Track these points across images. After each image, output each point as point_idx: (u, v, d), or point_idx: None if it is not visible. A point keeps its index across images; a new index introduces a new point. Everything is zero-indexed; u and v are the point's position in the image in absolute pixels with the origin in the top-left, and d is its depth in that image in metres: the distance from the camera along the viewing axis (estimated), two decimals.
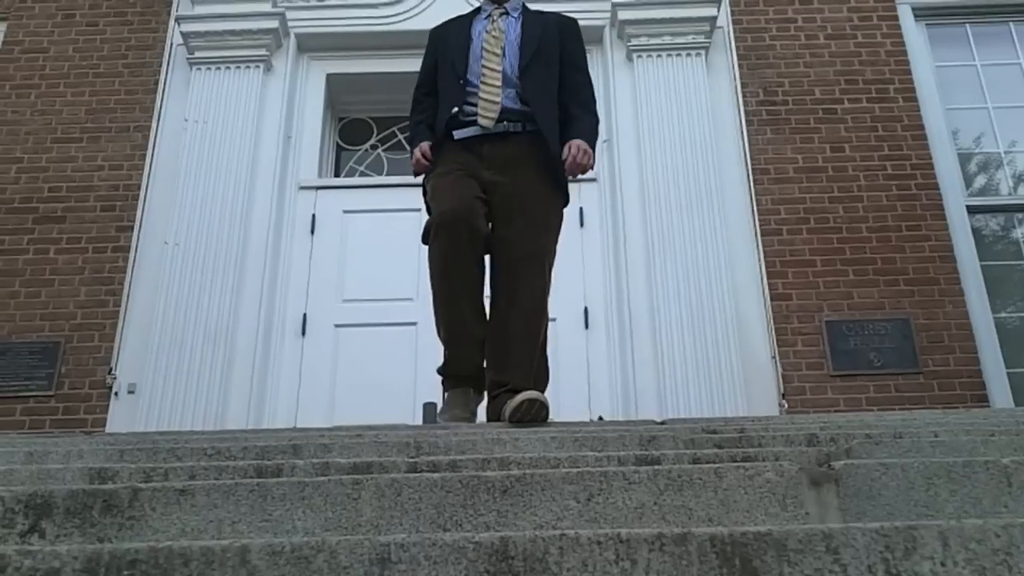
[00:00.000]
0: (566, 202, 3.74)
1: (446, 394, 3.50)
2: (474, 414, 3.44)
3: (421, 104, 3.90)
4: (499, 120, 3.61)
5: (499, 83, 3.65)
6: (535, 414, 3.01)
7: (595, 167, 3.79)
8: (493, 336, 3.44)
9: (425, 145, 3.71)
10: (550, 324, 3.63)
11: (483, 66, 3.69)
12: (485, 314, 3.51)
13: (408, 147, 3.88)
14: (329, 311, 5.66)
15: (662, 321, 5.35)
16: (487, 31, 3.77)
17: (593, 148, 3.67)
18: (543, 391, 3.31)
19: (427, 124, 3.80)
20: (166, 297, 5.44)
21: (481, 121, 3.61)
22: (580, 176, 3.71)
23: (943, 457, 1.75)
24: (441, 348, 3.50)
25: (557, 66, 3.75)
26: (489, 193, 3.56)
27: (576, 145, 3.59)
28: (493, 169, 3.57)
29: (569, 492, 1.45)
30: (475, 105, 3.64)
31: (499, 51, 3.71)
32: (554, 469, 1.65)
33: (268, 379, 5.44)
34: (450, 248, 3.41)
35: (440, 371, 3.51)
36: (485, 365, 3.46)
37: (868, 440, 1.91)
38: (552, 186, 3.65)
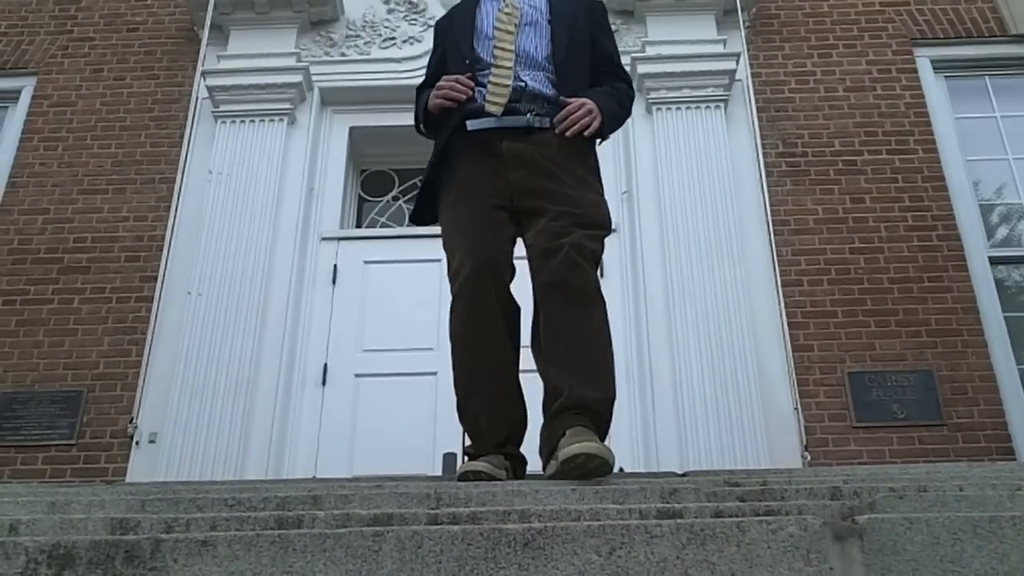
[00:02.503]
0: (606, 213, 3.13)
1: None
2: (502, 469, 2.80)
3: (426, 91, 3.33)
4: (518, 109, 3.07)
5: (511, 64, 3.13)
6: (593, 471, 2.48)
7: (606, 139, 3.27)
8: (544, 331, 2.89)
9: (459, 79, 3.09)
10: None
11: (494, 47, 3.16)
12: (520, 393, 2.98)
13: (415, 122, 3.34)
14: (349, 361, 5.68)
15: (683, 372, 5.33)
16: (500, 10, 3.25)
17: (612, 118, 3.16)
18: (611, 397, 2.82)
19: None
20: (188, 347, 5.47)
21: (488, 108, 3.07)
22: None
23: (968, 512, 1.73)
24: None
25: (588, 61, 3.26)
26: (519, 200, 3.02)
27: (579, 102, 3.05)
28: (518, 168, 3.02)
29: (591, 546, 1.44)
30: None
31: (512, 28, 3.19)
32: (575, 522, 1.64)
33: (288, 429, 5.44)
34: (471, 316, 2.93)
35: (465, 451, 3.03)
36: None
37: (892, 494, 1.90)
38: (594, 176, 3.13)
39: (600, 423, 2.77)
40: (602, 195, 3.14)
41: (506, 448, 2.90)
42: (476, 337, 2.94)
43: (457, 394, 3.02)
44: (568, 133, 3.02)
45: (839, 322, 5.57)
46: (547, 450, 2.79)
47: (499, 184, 3.03)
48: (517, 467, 2.92)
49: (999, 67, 6.51)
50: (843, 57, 6.48)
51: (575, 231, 2.87)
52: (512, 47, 3.16)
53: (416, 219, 3.34)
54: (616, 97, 3.23)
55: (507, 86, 3.10)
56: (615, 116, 3.22)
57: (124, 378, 5.53)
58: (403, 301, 5.78)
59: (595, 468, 2.48)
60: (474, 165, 3.07)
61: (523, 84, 3.11)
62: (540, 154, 3.02)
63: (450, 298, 3.04)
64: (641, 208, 5.89)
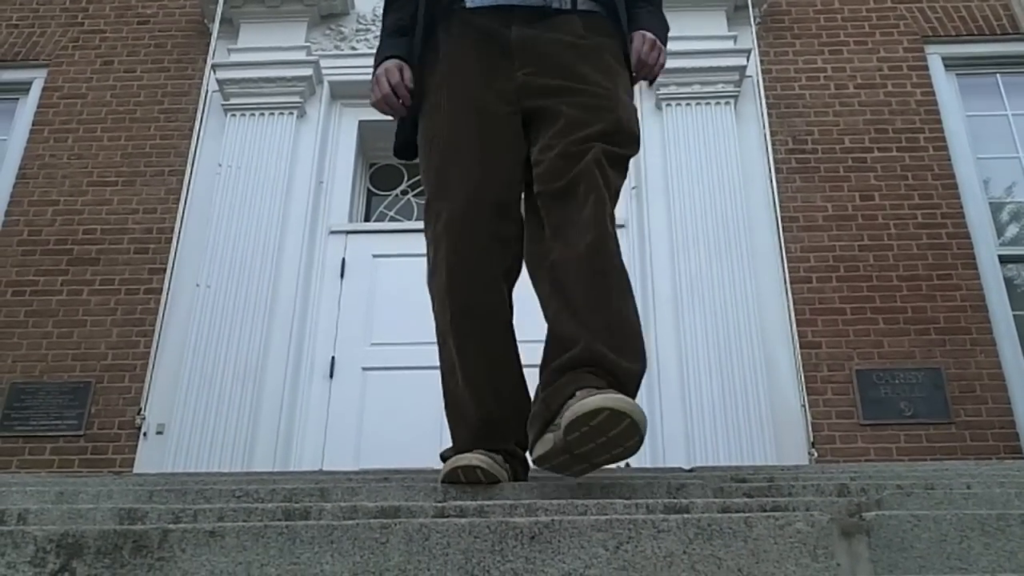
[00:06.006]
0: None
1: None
2: (502, 468, 2.13)
3: None
4: None
5: None
6: (614, 440, 1.82)
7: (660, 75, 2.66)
8: (550, 271, 2.23)
9: (395, 69, 2.39)
10: None
11: None
12: (523, 380, 2.32)
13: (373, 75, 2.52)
14: (357, 354, 5.68)
15: (690, 368, 5.33)
16: None
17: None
18: (643, 370, 2.16)
19: (401, 27, 2.51)
20: (196, 339, 5.48)
21: None
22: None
23: (976, 509, 1.72)
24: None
25: None
26: (527, 100, 2.34)
27: (642, 36, 2.46)
28: (528, 65, 2.35)
29: (598, 540, 1.44)
30: None
31: None
32: (582, 516, 1.64)
33: (295, 421, 5.45)
34: (462, 271, 2.25)
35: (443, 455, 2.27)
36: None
37: (899, 491, 1.89)
38: (624, 75, 2.47)
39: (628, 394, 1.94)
40: (632, 100, 2.48)
41: (506, 443, 2.23)
42: (468, 318, 2.27)
43: (443, 380, 2.41)
44: (641, 77, 2.50)
45: (847, 319, 5.56)
46: (545, 417, 2.04)
47: (506, 84, 2.36)
48: (518, 469, 2.23)
49: (1010, 65, 6.48)
50: (854, 54, 6.46)
51: (596, 146, 2.23)
52: None
53: (402, 153, 2.58)
54: (661, 22, 2.60)
55: None
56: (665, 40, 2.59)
57: (132, 369, 5.54)
58: (411, 295, 5.75)
59: (619, 434, 1.80)
60: (472, 55, 2.39)
61: None
62: (559, 43, 2.37)
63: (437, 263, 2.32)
64: (650, 204, 5.88)
